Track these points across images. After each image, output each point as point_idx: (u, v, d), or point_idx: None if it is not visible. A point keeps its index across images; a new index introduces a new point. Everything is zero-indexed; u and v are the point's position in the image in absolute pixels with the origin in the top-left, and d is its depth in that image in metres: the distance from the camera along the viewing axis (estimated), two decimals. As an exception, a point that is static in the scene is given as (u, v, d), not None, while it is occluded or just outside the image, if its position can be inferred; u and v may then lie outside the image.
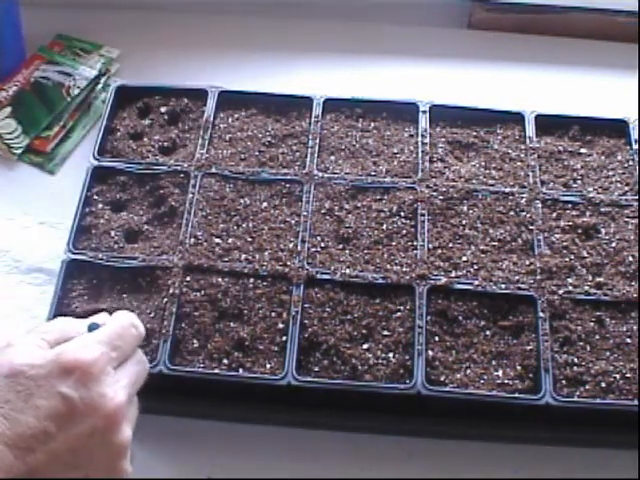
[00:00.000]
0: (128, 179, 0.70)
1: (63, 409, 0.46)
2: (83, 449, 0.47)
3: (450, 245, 0.66)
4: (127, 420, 0.49)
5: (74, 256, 0.65)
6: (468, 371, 0.61)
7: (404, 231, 0.67)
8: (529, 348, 0.61)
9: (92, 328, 0.51)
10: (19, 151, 0.79)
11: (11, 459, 0.44)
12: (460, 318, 0.63)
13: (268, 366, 0.60)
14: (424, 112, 0.74)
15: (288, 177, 0.70)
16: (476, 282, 0.64)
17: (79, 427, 0.46)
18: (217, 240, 0.66)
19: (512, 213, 0.68)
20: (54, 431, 0.45)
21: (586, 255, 0.66)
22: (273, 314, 0.63)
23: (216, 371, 0.60)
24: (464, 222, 0.68)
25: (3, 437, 0.44)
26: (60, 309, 0.63)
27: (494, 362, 0.61)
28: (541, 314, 0.62)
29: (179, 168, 0.70)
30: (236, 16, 0.91)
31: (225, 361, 0.61)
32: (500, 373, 0.60)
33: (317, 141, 0.72)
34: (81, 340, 0.50)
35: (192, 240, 0.66)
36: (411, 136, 0.74)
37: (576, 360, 0.61)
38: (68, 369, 0.47)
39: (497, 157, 0.72)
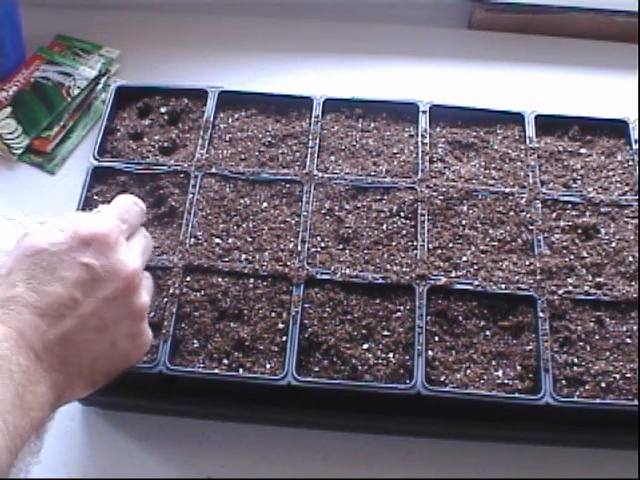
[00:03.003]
0: (128, 179, 0.70)
1: (86, 277, 0.50)
2: (107, 312, 0.51)
3: (450, 245, 0.66)
4: (143, 286, 0.54)
5: (74, 256, 0.65)
6: (468, 371, 0.61)
7: (404, 231, 0.67)
8: (529, 348, 0.61)
9: None
10: (19, 151, 0.79)
11: (45, 327, 0.48)
12: (460, 318, 0.63)
13: (268, 366, 0.60)
14: (424, 112, 0.74)
15: (288, 177, 0.70)
16: (476, 282, 0.64)
17: (102, 292, 0.51)
18: (217, 240, 0.66)
19: (512, 213, 0.68)
20: (80, 297, 0.50)
21: (586, 255, 0.66)
22: (273, 314, 0.63)
23: (216, 371, 0.60)
24: (464, 222, 0.68)
25: (35, 309, 0.48)
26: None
27: (494, 362, 0.61)
28: (541, 314, 0.62)
29: (179, 168, 0.70)
30: (236, 16, 0.91)
31: (225, 361, 0.61)
32: (500, 373, 0.61)
33: (317, 141, 0.72)
34: (94, 216, 0.55)
35: (192, 240, 0.66)
36: (411, 136, 0.74)
37: (576, 360, 0.61)
38: (86, 241, 0.51)
39: (497, 157, 0.72)
